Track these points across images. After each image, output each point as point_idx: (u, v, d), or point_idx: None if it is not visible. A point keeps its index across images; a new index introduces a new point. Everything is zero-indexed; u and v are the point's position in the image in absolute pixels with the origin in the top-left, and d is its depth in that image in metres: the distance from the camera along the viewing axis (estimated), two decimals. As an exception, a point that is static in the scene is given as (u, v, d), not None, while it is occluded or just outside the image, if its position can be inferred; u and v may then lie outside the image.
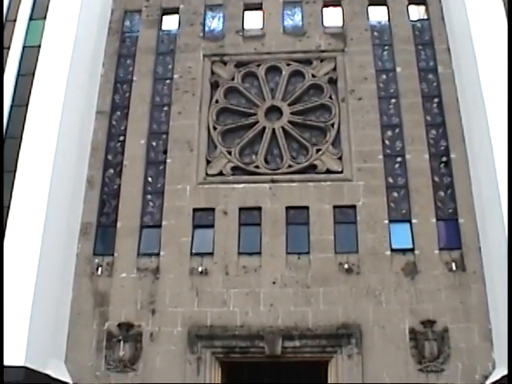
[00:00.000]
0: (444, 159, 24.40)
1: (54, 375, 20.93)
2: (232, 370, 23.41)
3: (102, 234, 24.31)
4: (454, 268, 22.39)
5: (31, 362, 19.50)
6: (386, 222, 23.33)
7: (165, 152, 25.27)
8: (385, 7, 27.71)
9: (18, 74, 24.39)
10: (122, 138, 25.75)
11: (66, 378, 21.77)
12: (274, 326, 22.06)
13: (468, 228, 22.97)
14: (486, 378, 20.92)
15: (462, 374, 21.16)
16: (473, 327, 21.65)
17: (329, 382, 21.77)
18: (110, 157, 25.52)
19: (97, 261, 23.62)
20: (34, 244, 20.67)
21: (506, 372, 19.23)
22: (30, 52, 24.64)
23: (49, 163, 21.91)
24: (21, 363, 19.10)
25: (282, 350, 21.77)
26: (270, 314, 22.27)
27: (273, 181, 24.19)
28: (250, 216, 23.96)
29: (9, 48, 24.81)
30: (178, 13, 28.44)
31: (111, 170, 25.25)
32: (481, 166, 22.61)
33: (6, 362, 18.31)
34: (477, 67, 22.88)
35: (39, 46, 24.48)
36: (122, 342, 22.29)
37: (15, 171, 21.86)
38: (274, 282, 22.64)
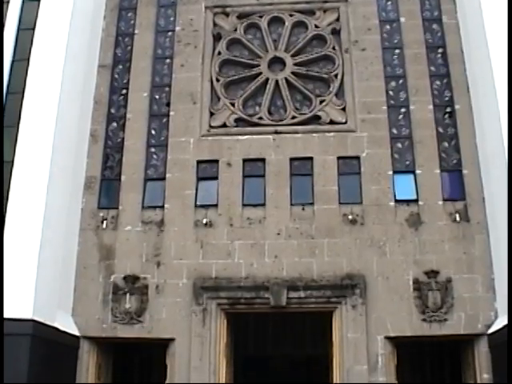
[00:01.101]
0: (448, 110, 24.25)
1: (61, 328, 21.21)
2: (237, 321, 23.73)
3: (106, 187, 24.37)
4: (457, 219, 22.43)
5: (39, 315, 19.72)
6: (390, 172, 23.30)
7: (168, 105, 25.16)
8: (389, -45, 27.23)
9: (19, 29, 24.08)
10: (124, 92, 25.61)
11: (73, 330, 22.07)
12: (278, 277, 22.19)
13: (472, 179, 22.95)
14: (489, 327, 21.13)
15: (465, 323, 21.36)
16: (476, 277, 21.78)
17: (333, 331, 21.98)
18: (112, 110, 25.44)
19: (101, 214, 23.72)
20: (39, 199, 20.72)
21: (506, 321, 19.45)
22: (30, 6, 24.26)
23: (52, 118, 21.83)
24: (29, 316, 19.30)
25: (286, 300, 21.94)
26: (275, 265, 22.40)
27: (276, 132, 24.11)
28: (253, 167, 23.94)
29: (8, 2, 24.44)
30: (178, -37, 27.96)
31: (114, 124, 25.20)
32: (485, 116, 22.50)
33: (14, 314, 18.58)
34: (482, 17, 22.62)
35: (39, 0, 24.15)
36: (127, 294, 22.49)
37: (18, 126, 21.77)
38: (278, 234, 22.73)
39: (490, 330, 20.99)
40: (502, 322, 20.25)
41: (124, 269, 22.84)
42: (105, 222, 23.53)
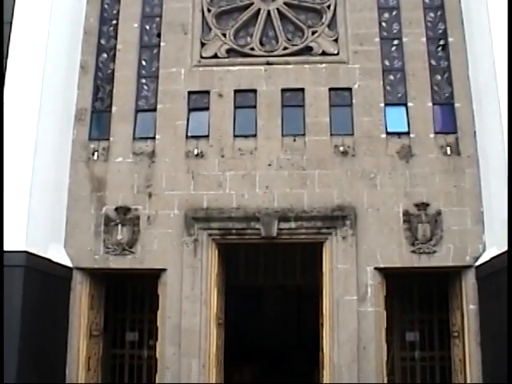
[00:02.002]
0: (441, 42, 23.95)
1: (54, 259, 21.33)
2: (228, 252, 23.92)
3: (97, 119, 24.12)
4: (448, 152, 22.41)
5: (32, 247, 19.81)
6: (382, 105, 23.14)
7: (158, 35, 24.73)
8: None
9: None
10: (114, 22, 25.07)
11: (66, 261, 22.20)
12: (269, 207, 22.28)
13: (464, 113, 22.84)
14: (476, 259, 21.38)
15: (454, 255, 21.57)
16: (465, 210, 21.89)
17: (323, 262, 22.21)
18: (103, 41, 25.00)
19: (92, 146, 23.56)
20: (30, 131, 20.55)
21: (495, 253, 19.67)
22: None
23: (41, 49, 21.45)
24: (22, 248, 19.38)
25: (277, 231, 22.03)
26: (266, 196, 22.45)
27: (268, 63, 23.82)
28: (245, 98, 23.70)
29: None
30: None
31: (104, 55, 24.80)
32: (478, 50, 22.22)
33: (7, 247, 18.58)
34: None
35: None
36: (119, 225, 22.54)
37: (7, 58, 21.47)
38: (269, 165, 22.70)
39: (478, 262, 21.21)
40: (489, 254, 20.46)
41: (115, 200, 22.85)
42: (96, 153, 23.40)
